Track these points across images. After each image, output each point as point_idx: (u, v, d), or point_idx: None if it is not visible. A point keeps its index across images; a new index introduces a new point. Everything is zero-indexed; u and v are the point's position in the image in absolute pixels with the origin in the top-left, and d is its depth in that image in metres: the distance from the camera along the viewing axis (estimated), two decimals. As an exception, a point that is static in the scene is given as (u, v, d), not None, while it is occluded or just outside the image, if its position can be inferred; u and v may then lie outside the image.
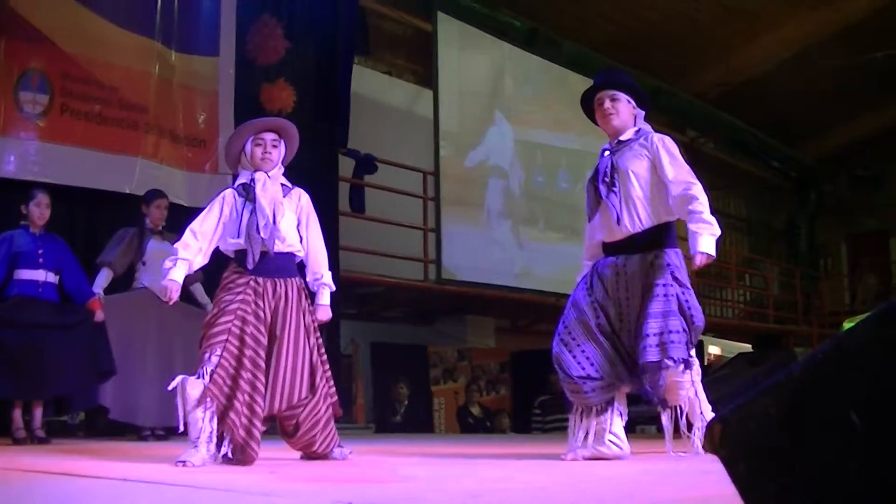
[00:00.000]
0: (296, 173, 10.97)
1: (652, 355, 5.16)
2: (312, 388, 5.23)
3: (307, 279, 5.51)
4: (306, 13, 11.33)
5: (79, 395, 7.79)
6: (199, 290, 8.70)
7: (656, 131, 5.64)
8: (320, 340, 5.40)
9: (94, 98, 9.16)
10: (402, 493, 3.43)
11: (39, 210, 7.66)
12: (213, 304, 5.19)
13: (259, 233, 5.24)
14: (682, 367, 5.22)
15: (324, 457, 5.34)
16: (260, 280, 5.19)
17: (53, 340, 7.41)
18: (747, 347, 15.61)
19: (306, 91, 11.03)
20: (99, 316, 7.68)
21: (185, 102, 9.98)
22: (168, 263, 5.24)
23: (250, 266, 5.19)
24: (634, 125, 5.63)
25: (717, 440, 1.48)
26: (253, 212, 5.29)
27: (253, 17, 10.68)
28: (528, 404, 13.26)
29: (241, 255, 5.23)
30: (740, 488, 1.45)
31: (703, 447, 5.22)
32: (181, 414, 4.96)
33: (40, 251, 7.61)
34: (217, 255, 5.41)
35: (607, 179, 5.47)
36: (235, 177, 5.57)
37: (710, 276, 20.57)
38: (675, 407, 5.38)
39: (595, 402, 5.34)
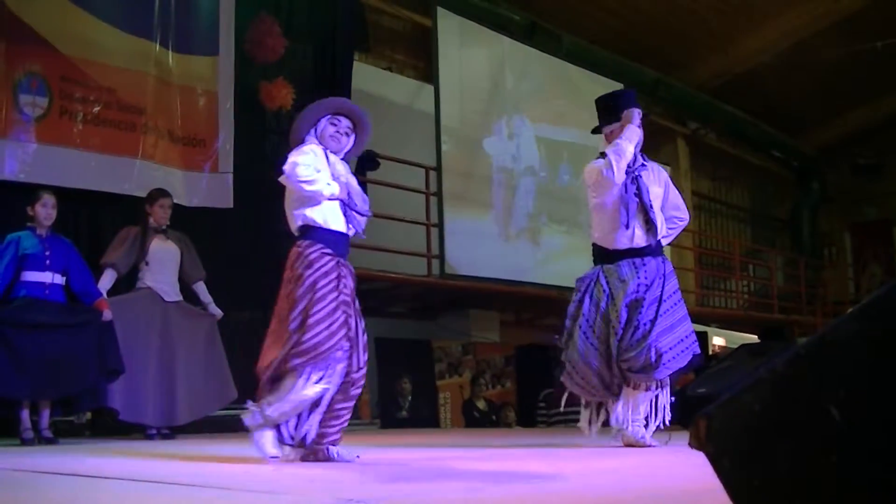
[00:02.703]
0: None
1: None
2: None
3: None
4: (305, 10, 11.37)
5: (86, 395, 7.84)
6: (201, 288, 8.74)
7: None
8: None
9: (92, 100, 9.18)
10: (403, 488, 3.47)
11: (46, 211, 7.69)
12: (308, 286, 4.92)
13: (358, 213, 5.22)
14: None
15: (320, 451, 5.06)
16: (341, 260, 5.09)
17: (61, 341, 7.45)
18: (752, 338, 15.61)
19: (306, 88, 11.02)
20: (106, 315, 7.70)
21: (184, 102, 9.98)
22: (323, 186, 5.00)
23: (362, 232, 5.24)
24: None
25: (702, 436, 1.51)
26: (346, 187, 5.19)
27: (251, 15, 10.65)
28: (533, 398, 13.27)
29: (326, 231, 5.06)
30: (725, 483, 1.49)
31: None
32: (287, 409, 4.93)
33: (47, 252, 7.63)
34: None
35: (650, 197, 6.21)
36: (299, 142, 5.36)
37: (714, 266, 20.60)
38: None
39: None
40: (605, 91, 14.42)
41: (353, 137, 5.39)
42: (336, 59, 11.66)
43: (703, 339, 14.39)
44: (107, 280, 8.22)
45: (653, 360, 5.91)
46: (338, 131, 5.28)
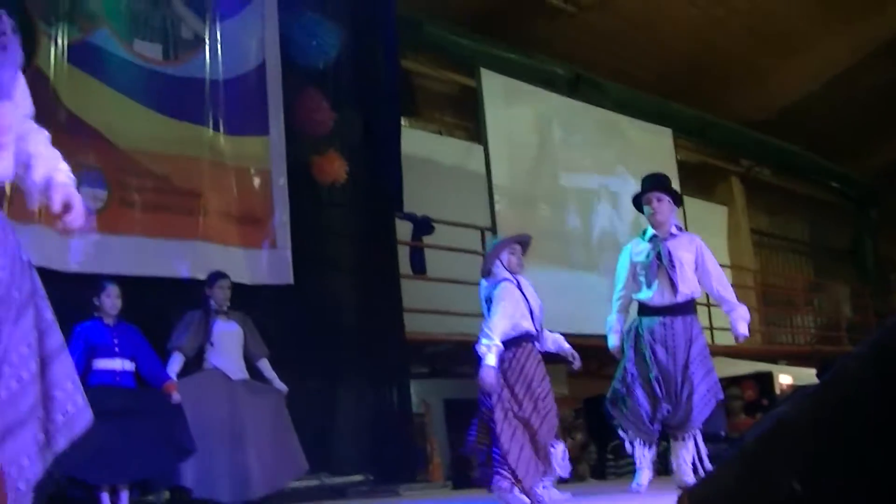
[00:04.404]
0: (354, 240, 11.21)
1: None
2: None
3: None
4: (350, 81, 11.48)
5: (161, 476, 7.99)
6: (265, 365, 8.88)
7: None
8: None
9: (149, 189, 9.38)
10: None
11: (111, 301, 7.90)
12: (526, 383, 6.93)
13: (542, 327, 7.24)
14: None
15: None
16: None
17: (134, 426, 7.60)
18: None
19: (357, 159, 11.13)
20: (176, 398, 7.86)
21: (239, 183, 10.15)
22: (483, 349, 6.79)
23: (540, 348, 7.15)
24: (674, 220, 7.56)
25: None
26: (529, 305, 7.09)
27: (298, 90, 10.80)
28: (604, 449, 13.22)
29: (529, 336, 7.02)
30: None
31: None
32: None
33: (115, 341, 7.82)
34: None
35: (672, 260, 7.27)
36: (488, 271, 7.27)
37: (778, 303, 20.43)
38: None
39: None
40: (652, 138, 14.55)
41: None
42: (385, 126, 11.77)
43: (767, 380, 14.32)
44: (175, 363, 8.38)
45: (687, 416, 7.11)
46: (519, 259, 7.25)
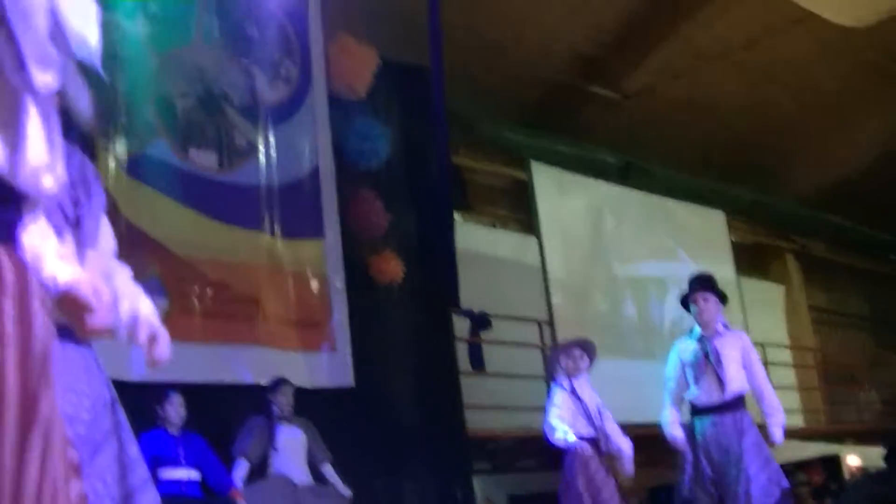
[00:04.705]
0: (412, 338, 11.23)
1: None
2: None
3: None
4: (403, 181, 11.57)
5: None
6: (328, 469, 8.89)
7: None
8: None
9: (209, 296, 9.42)
10: None
11: (175, 410, 7.96)
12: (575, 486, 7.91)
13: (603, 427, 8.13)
14: None
15: None
16: None
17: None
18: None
19: (413, 257, 11.13)
20: (241, 506, 7.90)
21: (297, 286, 10.17)
22: (560, 436, 7.91)
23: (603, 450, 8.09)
24: (720, 318, 7.80)
25: None
26: (585, 408, 8.07)
27: (352, 192, 10.86)
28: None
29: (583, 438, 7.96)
30: None
31: None
32: None
33: (180, 451, 7.87)
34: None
35: (720, 358, 7.49)
36: (552, 376, 8.46)
37: (841, 380, 20.14)
38: None
39: None
40: (705, 221, 14.60)
41: (586, 357, 8.33)
42: (439, 223, 11.80)
43: (835, 463, 14.06)
44: (240, 470, 8.39)
45: None
46: (575, 362, 8.24)
